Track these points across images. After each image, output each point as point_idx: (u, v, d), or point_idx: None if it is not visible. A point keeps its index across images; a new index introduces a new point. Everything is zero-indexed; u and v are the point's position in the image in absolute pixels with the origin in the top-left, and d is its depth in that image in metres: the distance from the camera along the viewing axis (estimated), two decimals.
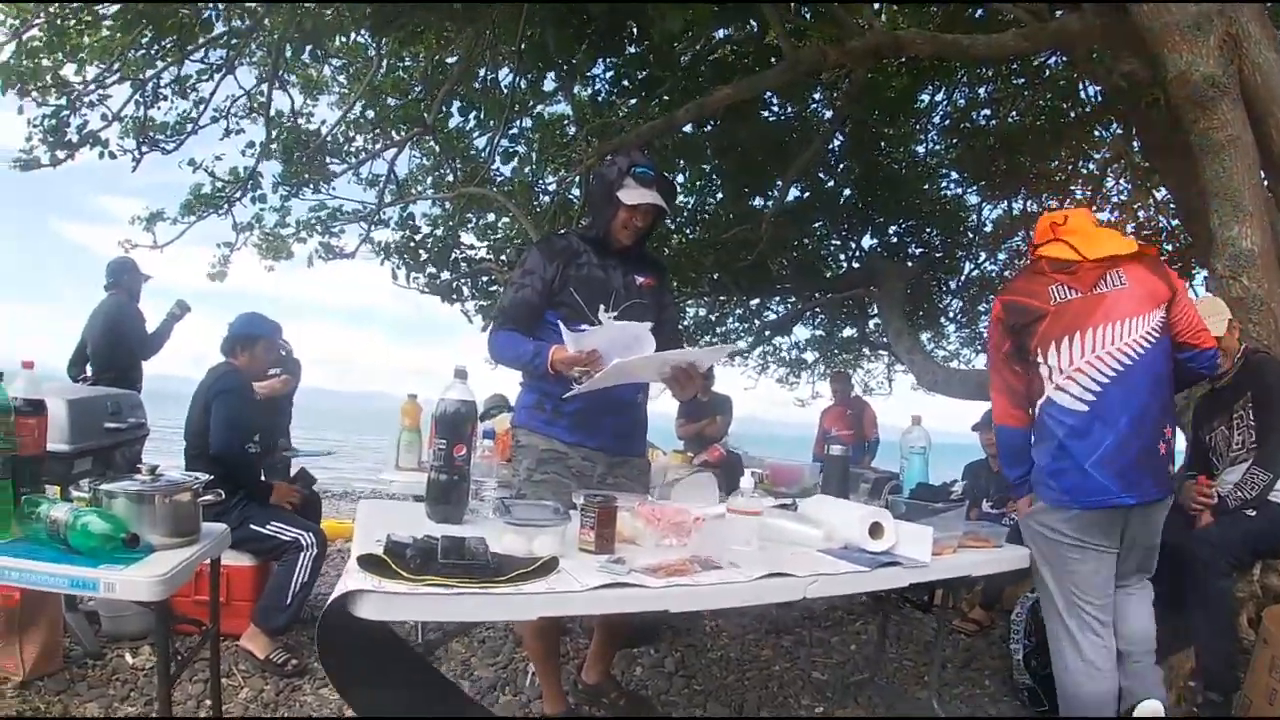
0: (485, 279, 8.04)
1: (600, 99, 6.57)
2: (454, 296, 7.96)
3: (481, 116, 6.82)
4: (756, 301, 10.03)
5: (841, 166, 8.15)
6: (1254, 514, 2.79)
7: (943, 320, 10.25)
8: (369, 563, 1.57)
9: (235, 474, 3.14)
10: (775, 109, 7.34)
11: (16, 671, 2.62)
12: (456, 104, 6.78)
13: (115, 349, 4.95)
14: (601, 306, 2.46)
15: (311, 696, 2.86)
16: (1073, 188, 8.81)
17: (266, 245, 7.62)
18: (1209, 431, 3.11)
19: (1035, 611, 3.06)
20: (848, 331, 11.02)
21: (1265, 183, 3.72)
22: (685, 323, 9.31)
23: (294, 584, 3.09)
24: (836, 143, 7.73)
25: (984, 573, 2.35)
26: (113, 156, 6.30)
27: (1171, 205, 6.92)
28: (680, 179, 7.52)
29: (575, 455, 2.49)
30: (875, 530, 2.06)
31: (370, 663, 1.78)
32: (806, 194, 8.10)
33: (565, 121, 6.96)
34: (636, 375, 2.41)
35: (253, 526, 3.13)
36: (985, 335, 10.42)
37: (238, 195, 7.11)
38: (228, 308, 3.53)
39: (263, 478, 3.60)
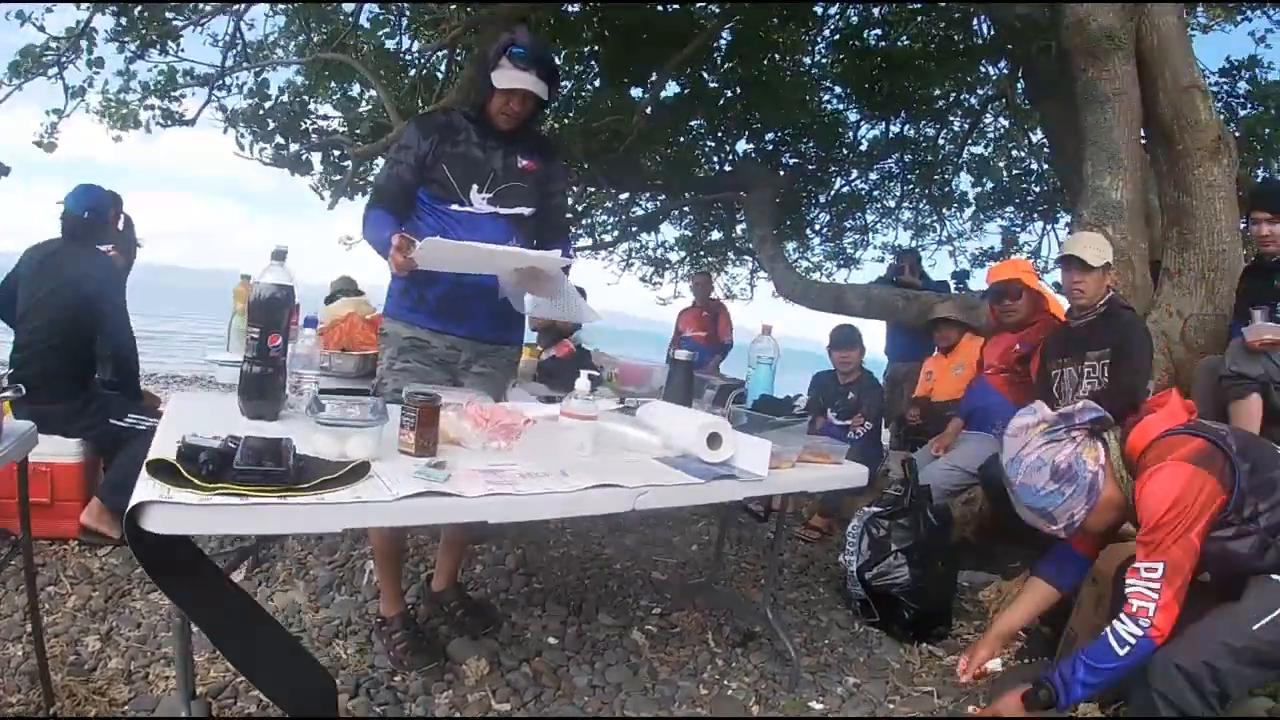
0: (338, 153, 7.50)
1: None
2: (302, 170, 7.38)
3: None
4: (625, 196, 9.90)
5: (726, 67, 7.96)
6: None
7: (809, 232, 10.42)
8: (159, 469, 1.37)
9: (133, 372, 3.26)
10: None
11: None
12: None
13: None
14: (475, 186, 2.35)
15: (141, 602, 2.67)
16: (952, 118, 8.99)
17: (111, 113, 6.79)
18: (1058, 366, 3.12)
19: (870, 526, 3.14)
20: (715, 235, 11.11)
21: (1144, 142, 3.79)
22: None
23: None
24: (723, 42, 7.52)
25: (821, 489, 2.35)
26: None
27: (1046, 149, 7.10)
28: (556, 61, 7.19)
29: (439, 343, 2.41)
30: (713, 440, 2.00)
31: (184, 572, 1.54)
32: (686, 90, 7.94)
33: None
34: (476, 263, 2.29)
35: (112, 421, 3.10)
36: (849, 251, 10.61)
37: (69, 54, 6.20)
38: (71, 180, 3.31)
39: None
